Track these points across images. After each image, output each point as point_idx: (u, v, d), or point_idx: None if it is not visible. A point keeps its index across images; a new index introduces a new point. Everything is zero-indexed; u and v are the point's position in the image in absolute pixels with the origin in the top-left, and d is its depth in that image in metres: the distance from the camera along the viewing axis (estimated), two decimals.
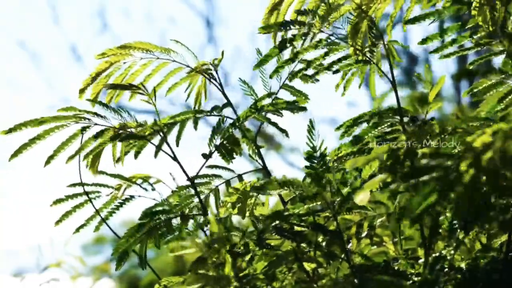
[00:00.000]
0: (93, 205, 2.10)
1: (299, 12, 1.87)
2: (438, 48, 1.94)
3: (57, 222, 2.08)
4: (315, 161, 1.83)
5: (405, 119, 1.90)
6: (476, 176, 1.17)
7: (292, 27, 1.88)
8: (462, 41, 1.92)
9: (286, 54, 1.99)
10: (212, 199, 2.12)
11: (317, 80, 2.07)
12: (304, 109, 2.04)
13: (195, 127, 2.11)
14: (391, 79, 1.94)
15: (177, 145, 2.11)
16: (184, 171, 2.04)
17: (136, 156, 2.10)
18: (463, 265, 1.85)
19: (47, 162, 1.98)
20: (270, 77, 2.05)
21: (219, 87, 2.12)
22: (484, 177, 1.17)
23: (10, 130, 1.92)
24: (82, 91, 2.06)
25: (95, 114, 1.98)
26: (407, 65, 8.42)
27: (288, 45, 1.90)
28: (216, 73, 2.11)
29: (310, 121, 1.84)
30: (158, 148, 2.03)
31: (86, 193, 2.08)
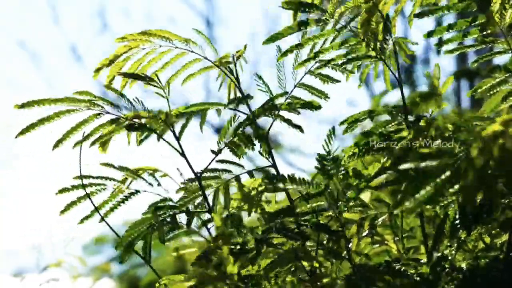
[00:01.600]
0: (92, 202, 2.07)
1: None
2: (443, 42, 1.93)
3: (62, 212, 2.06)
4: (327, 163, 1.84)
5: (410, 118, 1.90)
6: (486, 163, 1.16)
7: (312, 9, 1.86)
8: (469, 37, 1.91)
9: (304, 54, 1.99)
10: (221, 195, 2.11)
11: (338, 81, 2.07)
12: (319, 107, 2.04)
13: (219, 114, 2.11)
14: (398, 77, 1.93)
15: (201, 129, 2.10)
16: (191, 167, 2.03)
17: (140, 142, 2.08)
18: (464, 265, 1.84)
19: (56, 145, 1.95)
20: (278, 59, 2.04)
21: (235, 81, 2.12)
22: (492, 164, 1.16)
23: (22, 105, 1.89)
24: (97, 70, 2.04)
25: (109, 102, 1.96)
26: (407, 64, 8.42)
27: (305, 27, 1.89)
28: (235, 66, 2.11)
29: (333, 128, 1.85)
30: (160, 136, 2.01)
31: (84, 187, 2.05)
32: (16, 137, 1.91)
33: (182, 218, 2.02)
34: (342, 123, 1.98)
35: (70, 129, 1.96)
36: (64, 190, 2.06)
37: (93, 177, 2.07)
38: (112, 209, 2.08)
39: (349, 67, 2.04)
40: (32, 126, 1.92)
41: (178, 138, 2.04)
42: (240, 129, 2.03)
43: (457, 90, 7.66)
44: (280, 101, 2.06)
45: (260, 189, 1.85)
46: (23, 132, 1.91)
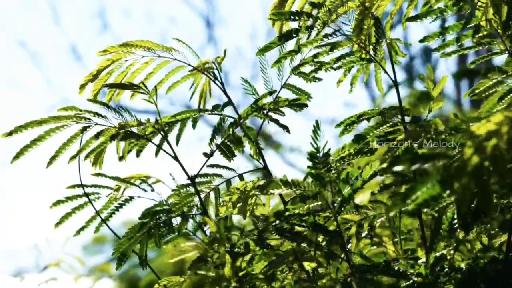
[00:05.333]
0: (94, 207, 2.09)
1: (310, 3, 1.87)
2: (440, 46, 1.93)
3: (57, 224, 2.07)
4: (317, 161, 1.83)
5: (407, 119, 1.90)
6: (480, 163, 1.15)
7: (301, 17, 1.87)
8: (465, 40, 1.91)
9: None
10: (212, 198, 2.12)
11: (320, 79, 2.07)
12: (305, 106, 2.04)
13: (194, 126, 2.12)
14: (393, 78, 1.93)
15: (177, 143, 2.11)
16: (185, 170, 2.04)
17: (138, 154, 2.09)
18: (463, 265, 1.84)
19: (49, 163, 1.97)
20: (272, 67, 2.04)
21: (220, 86, 2.12)
22: (487, 163, 1.16)
23: (10, 133, 1.90)
24: (82, 87, 2.05)
25: (96, 113, 1.97)
26: (406, 65, 8.43)
27: (293, 35, 1.89)
28: (218, 71, 2.11)
29: (316, 122, 1.84)
30: (159, 147, 2.02)
31: (87, 195, 2.07)
32: (11, 162, 1.92)
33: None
34: (338, 125, 1.98)
35: (61, 145, 1.97)
36: (58, 202, 2.07)
37: (88, 186, 2.08)
38: (107, 218, 2.10)
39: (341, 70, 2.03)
40: (25, 149, 1.93)
41: (168, 143, 2.04)
42: (230, 130, 2.04)
43: (456, 91, 7.67)
44: (267, 100, 2.06)
45: (250, 194, 1.84)
46: (17, 156, 1.92)
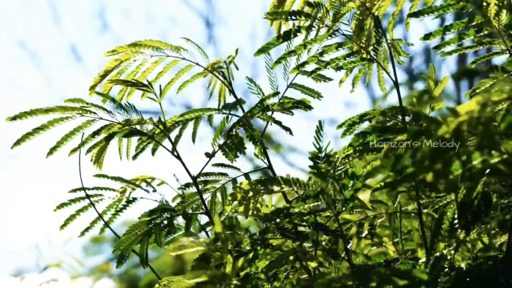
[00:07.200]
0: (96, 210, 2.08)
1: (307, 3, 1.87)
2: (441, 44, 1.93)
3: (62, 227, 2.06)
4: (320, 162, 1.83)
5: (407, 119, 1.91)
6: (442, 136, 1.20)
7: (299, 17, 1.87)
8: (466, 38, 1.91)
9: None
10: (218, 197, 2.11)
11: (330, 79, 2.07)
12: (310, 107, 2.03)
13: (210, 124, 2.12)
14: (394, 79, 1.93)
15: (193, 141, 2.11)
16: (187, 170, 2.04)
17: (153, 153, 2.09)
18: (463, 265, 1.85)
19: (49, 153, 1.95)
20: (272, 67, 2.04)
21: (228, 85, 2.12)
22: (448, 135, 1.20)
23: (14, 117, 1.89)
24: (92, 88, 2.05)
25: (102, 108, 1.96)
26: (407, 65, 8.42)
27: (292, 36, 1.90)
28: (228, 71, 2.12)
29: (319, 123, 1.84)
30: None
31: (88, 197, 2.07)
32: (11, 148, 1.91)
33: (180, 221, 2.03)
34: (339, 126, 1.98)
35: (63, 136, 1.96)
36: (62, 205, 2.06)
37: (90, 189, 2.07)
38: (111, 219, 2.09)
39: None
40: (26, 136, 1.92)
41: (174, 145, 2.04)
42: (233, 130, 2.04)
43: (456, 90, 7.67)
44: (272, 101, 2.06)
45: (251, 194, 1.84)
46: (18, 142, 1.91)
